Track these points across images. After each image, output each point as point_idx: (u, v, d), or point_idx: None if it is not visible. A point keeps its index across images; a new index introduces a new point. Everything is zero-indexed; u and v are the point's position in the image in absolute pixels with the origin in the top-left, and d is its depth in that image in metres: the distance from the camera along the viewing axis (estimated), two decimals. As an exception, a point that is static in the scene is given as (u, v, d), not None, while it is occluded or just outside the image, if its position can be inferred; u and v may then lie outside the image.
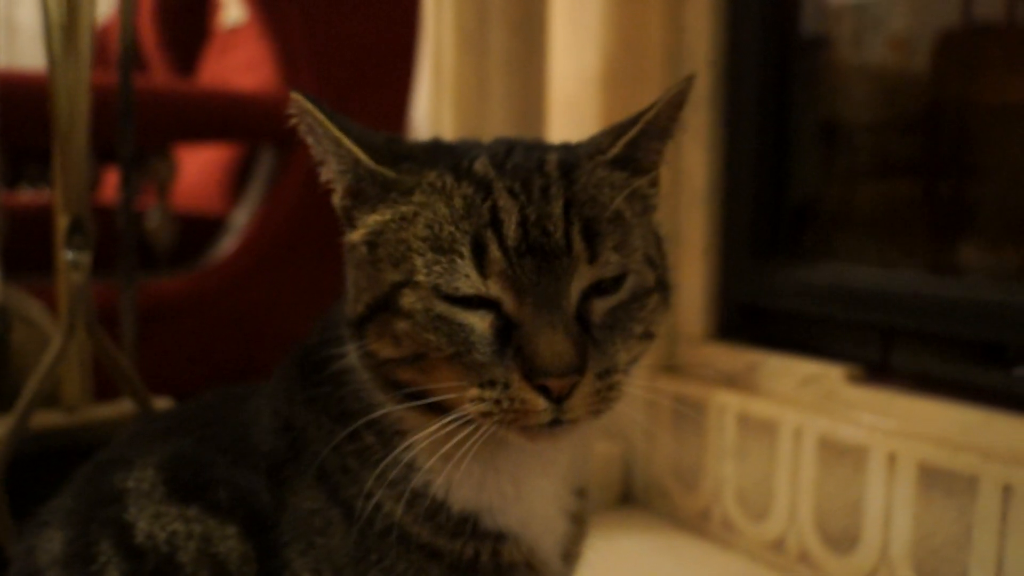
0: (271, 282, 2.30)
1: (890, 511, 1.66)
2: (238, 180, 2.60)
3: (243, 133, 2.38)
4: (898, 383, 1.82)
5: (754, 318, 2.18)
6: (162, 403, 1.57)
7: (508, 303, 0.85)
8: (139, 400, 1.51)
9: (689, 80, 0.94)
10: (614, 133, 0.95)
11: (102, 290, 1.57)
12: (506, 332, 0.85)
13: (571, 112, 2.37)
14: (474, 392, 0.85)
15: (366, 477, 0.93)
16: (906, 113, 2.06)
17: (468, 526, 0.95)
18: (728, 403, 2.00)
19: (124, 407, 1.59)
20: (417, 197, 0.89)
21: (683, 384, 2.15)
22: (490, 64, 2.11)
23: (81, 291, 1.45)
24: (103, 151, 1.69)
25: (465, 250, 0.85)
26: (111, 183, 3.06)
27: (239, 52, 2.84)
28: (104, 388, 1.59)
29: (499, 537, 0.96)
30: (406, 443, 0.91)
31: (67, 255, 1.45)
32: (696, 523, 2.08)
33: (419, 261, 0.86)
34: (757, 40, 2.13)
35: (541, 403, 0.83)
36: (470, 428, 0.86)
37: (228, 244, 2.29)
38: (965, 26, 1.92)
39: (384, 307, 0.89)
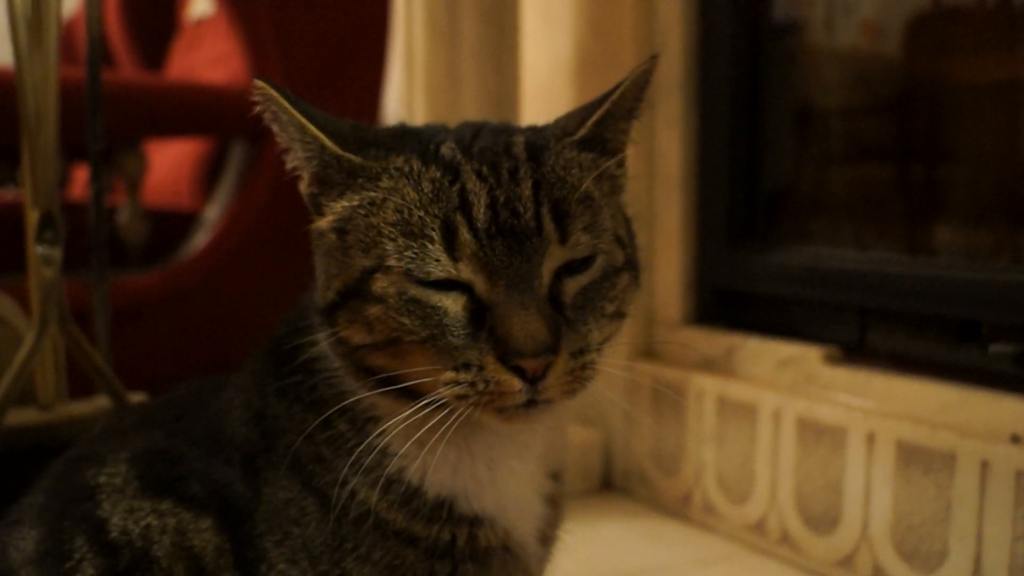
0: (244, 277, 2.29)
1: (870, 490, 1.66)
2: (209, 175, 2.59)
3: (213, 127, 2.37)
4: (875, 363, 1.82)
5: (731, 302, 2.18)
6: (137, 399, 1.55)
7: (480, 285, 0.85)
8: (114, 396, 1.50)
9: (653, 60, 0.94)
10: (581, 114, 0.95)
11: (74, 288, 1.55)
12: (479, 314, 0.85)
13: (544, 100, 2.36)
14: (449, 375, 0.85)
15: (340, 465, 0.93)
16: (879, 96, 2.06)
17: (444, 511, 0.95)
18: (707, 387, 2.01)
19: (99, 404, 1.57)
20: (385, 182, 0.89)
21: (661, 369, 2.15)
22: (462, 53, 2.11)
23: (53, 286, 1.44)
24: (72, 147, 1.67)
25: (435, 234, 0.85)
26: (80, 180, 3.04)
27: (207, 45, 2.82)
28: (79, 385, 1.57)
29: (475, 521, 0.96)
30: (379, 429, 0.91)
31: (38, 250, 1.44)
32: (677, 507, 2.09)
33: (390, 246, 0.86)
34: (730, 25, 2.13)
35: (516, 384, 0.83)
36: (444, 412, 0.86)
37: (200, 239, 2.27)
38: (936, 9, 1.92)
39: (355, 293, 0.89)
